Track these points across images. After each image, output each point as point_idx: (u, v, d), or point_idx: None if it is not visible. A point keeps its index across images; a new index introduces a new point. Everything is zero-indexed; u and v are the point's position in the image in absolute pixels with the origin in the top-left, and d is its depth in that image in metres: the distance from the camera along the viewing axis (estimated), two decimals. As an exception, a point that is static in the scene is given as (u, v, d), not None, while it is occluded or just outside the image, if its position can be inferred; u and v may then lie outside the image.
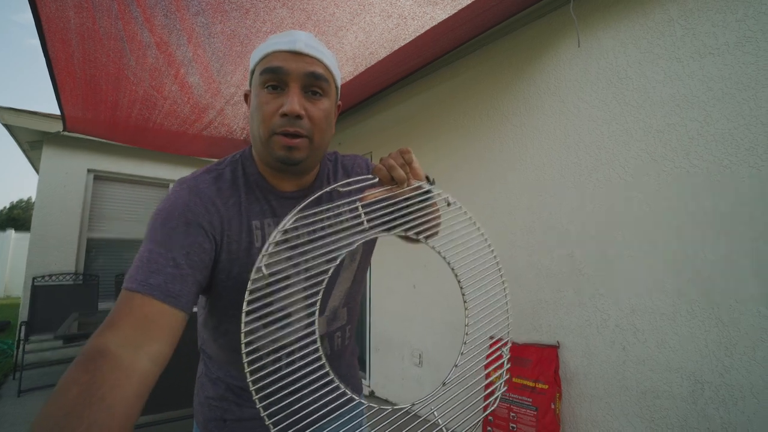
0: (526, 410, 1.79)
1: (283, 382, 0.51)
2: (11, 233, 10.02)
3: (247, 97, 0.69)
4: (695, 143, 1.51)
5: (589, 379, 1.75)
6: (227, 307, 0.67)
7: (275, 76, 0.59)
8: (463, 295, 0.64)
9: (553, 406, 1.74)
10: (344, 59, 2.18)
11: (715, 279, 1.43)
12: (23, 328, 3.38)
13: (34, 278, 3.62)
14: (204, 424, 0.73)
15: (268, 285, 0.57)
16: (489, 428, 1.92)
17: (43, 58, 2.01)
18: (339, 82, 0.69)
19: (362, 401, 0.59)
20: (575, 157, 1.90)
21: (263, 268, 0.53)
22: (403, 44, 2.08)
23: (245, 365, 0.48)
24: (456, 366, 0.60)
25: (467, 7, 1.79)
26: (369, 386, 3.17)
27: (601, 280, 1.76)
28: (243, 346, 0.49)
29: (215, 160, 4.37)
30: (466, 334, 0.62)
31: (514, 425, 1.82)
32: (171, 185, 4.92)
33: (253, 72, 0.64)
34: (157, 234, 0.57)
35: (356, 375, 0.86)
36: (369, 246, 0.81)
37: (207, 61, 2.11)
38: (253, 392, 0.48)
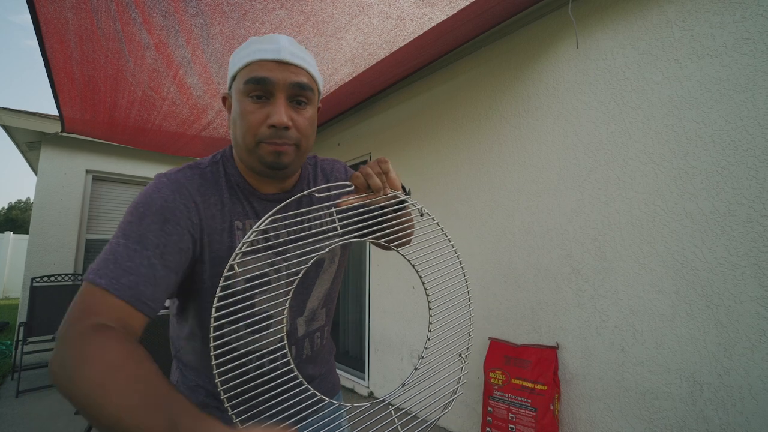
0: (525, 411, 1.79)
1: (252, 385, 0.52)
2: (10, 234, 10.00)
3: (225, 100, 0.67)
4: (693, 144, 1.52)
5: (588, 380, 1.75)
6: (208, 310, 0.65)
7: (261, 87, 0.59)
8: (429, 303, 0.67)
9: (552, 407, 1.74)
10: (343, 60, 2.18)
11: (713, 280, 1.43)
12: (22, 328, 3.38)
13: (32, 279, 3.62)
14: None
15: (245, 285, 0.58)
16: (488, 429, 1.92)
17: (42, 59, 2.01)
18: (321, 86, 0.69)
19: (333, 401, 0.60)
20: (574, 158, 1.91)
21: (235, 266, 0.53)
22: (401, 45, 2.08)
23: (213, 367, 0.49)
24: (416, 369, 0.65)
25: (466, 8, 1.80)
26: (368, 387, 3.17)
27: (600, 281, 1.76)
28: (211, 348, 0.49)
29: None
30: (428, 339, 0.65)
31: (513, 426, 1.82)
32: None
33: (234, 77, 0.62)
34: (132, 228, 0.54)
35: (334, 372, 0.88)
36: (346, 249, 0.82)
37: (206, 62, 2.11)
38: (224, 398, 0.49)
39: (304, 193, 0.63)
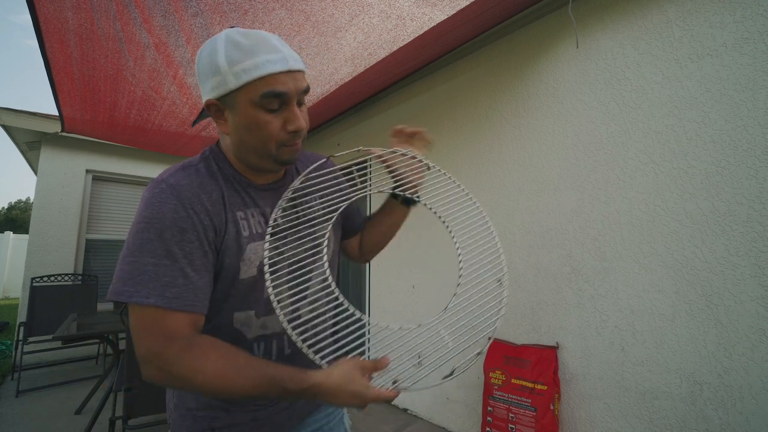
0: (525, 411, 1.79)
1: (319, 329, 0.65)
2: (10, 234, 10.00)
3: (212, 106, 0.66)
4: (693, 144, 1.52)
5: (588, 380, 1.75)
6: (218, 300, 0.68)
7: (278, 100, 0.62)
8: (455, 242, 0.78)
9: (552, 407, 1.74)
10: (343, 60, 2.18)
11: (713, 280, 1.43)
12: (22, 328, 3.38)
13: (32, 279, 3.62)
14: None
15: (283, 238, 0.69)
16: (488, 429, 1.92)
17: (42, 59, 2.01)
18: None
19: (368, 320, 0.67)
20: (574, 157, 1.91)
21: (278, 218, 0.69)
22: (402, 45, 2.08)
23: (282, 315, 0.60)
24: (456, 295, 0.71)
25: (466, 8, 1.79)
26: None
27: (600, 281, 1.76)
28: (268, 274, 0.61)
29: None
30: (461, 275, 0.73)
31: (513, 426, 1.82)
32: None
33: (239, 88, 0.61)
34: (155, 246, 0.59)
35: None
36: (337, 235, 0.89)
37: (206, 62, 2.10)
38: (302, 344, 0.60)
39: (297, 179, 0.76)
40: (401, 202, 0.89)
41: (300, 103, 0.67)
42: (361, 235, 0.99)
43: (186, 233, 0.61)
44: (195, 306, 0.60)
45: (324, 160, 0.86)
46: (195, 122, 0.86)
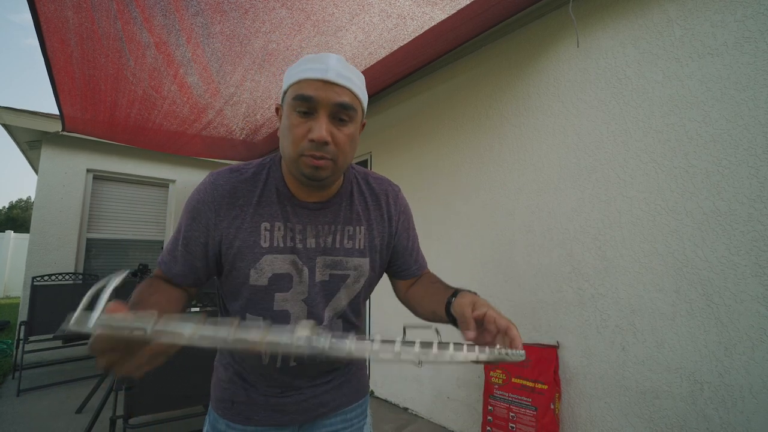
0: (526, 410, 1.79)
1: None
2: (10, 234, 10.01)
3: (278, 110, 0.74)
4: (694, 143, 1.51)
5: (589, 380, 1.75)
6: (233, 294, 0.75)
7: (306, 104, 0.63)
8: None
9: (552, 407, 1.74)
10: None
11: (714, 279, 1.43)
12: (23, 327, 3.38)
13: (33, 278, 3.62)
14: (216, 404, 0.81)
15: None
16: (488, 428, 1.92)
17: (42, 58, 2.01)
18: (366, 104, 0.72)
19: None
20: (574, 157, 1.90)
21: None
22: (402, 44, 2.07)
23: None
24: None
25: (466, 7, 1.79)
26: (369, 386, 3.17)
27: (600, 280, 1.76)
28: None
29: (214, 159, 4.37)
30: None
31: (514, 425, 1.82)
32: (170, 185, 4.92)
33: (286, 91, 0.68)
34: (180, 221, 0.74)
35: (360, 376, 0.89)
36: (374, 279, 0.83)
37: (206, 62, 2.11)
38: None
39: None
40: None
41: (340, 121, 0.65)
42: (413, 281, 0.88)
43: (195, 222, 0.71)
44: (172, 275, 0.73)
45: (397, 190, 0.85)
46: None
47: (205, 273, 0.74)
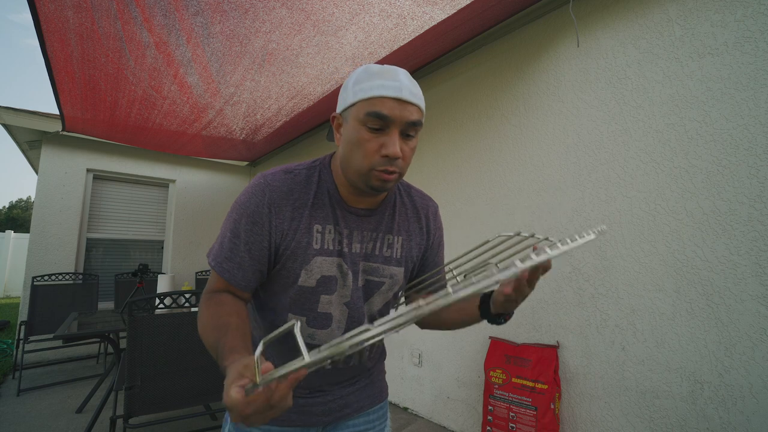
0: (526, 410, 1.79)
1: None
2: (10, 233, 10.01)
3: (334, 119, 0.74)
4: (694, 143, 1.51)
5: (589, 379, 1.75)
6: (278, 294, 0.76)
7: (380, 121, 0.65)
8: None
9: (552, 406, 1.74)
10: (343, 59, 2.18)
11: (714, 279, 1.43)
12: (23, 327, 3.38)
13: (33, 278, 3.62)
14: None
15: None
16: (488, 428, 1.92)
17: (42, 58, 2.01)
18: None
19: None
20: (575, 156, 1.90)
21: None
22: (402, 44, 2.08)
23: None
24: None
25: (466, 7, 1.79)
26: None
27: (600, 280, 1.76)
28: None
29: (214, 159, 4.37)
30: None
31: (514, 425, 1.82)
32: (170, 185, 4.92)
33: (353, 104, 0.67)
34: (235, 226, 0.71)
35: (382, 378, 0.95)
36: (405, 283, 0.86)
37: (206, 61, 2.11)
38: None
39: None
40: (484, 315, 0.73)
41: (407, 136, 0.68)
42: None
43: (256, 226, 0.70)
44: (238, 283, 0.71)
45: (436, 207, 0.89)
46: (328, 136, 0.89)
47: (265, 275, 0.74)
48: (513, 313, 0.70)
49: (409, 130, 0.67)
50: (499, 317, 0.70)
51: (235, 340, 0.59)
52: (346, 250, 0.74)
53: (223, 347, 0.57)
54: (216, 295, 0.70)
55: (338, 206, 0.75)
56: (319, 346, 0.75)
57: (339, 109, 0.72)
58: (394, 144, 0.65)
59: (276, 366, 0.77)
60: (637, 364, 1.60)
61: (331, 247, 0.73)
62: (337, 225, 0.74)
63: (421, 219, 0.84)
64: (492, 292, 0.70)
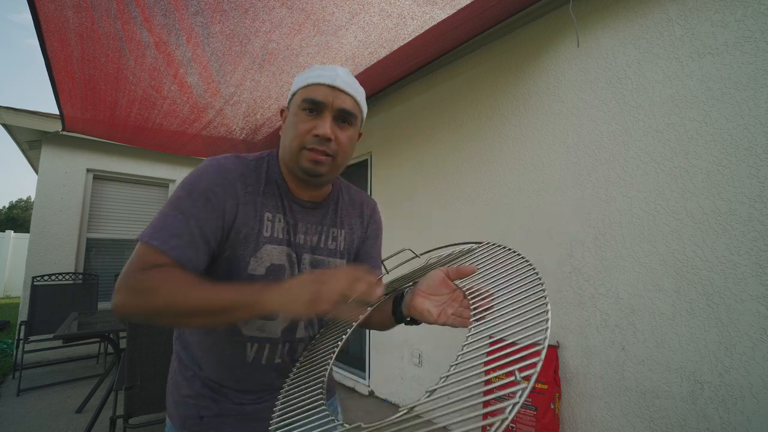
0: (526, 410, 1.79)
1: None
2: (10, 233, 10.01)
3: (282, 112, 0.78)
4: (694, 143, 1.51)
5: (589, 379, 1.75)
6: (222, 280, 0.70)
7: (314, 105, 0.69)
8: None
9: (552, 406, 1.74)
10: (343, 59, 2.18)
11: (714, 279, 1.43)
12: (23, 327, 3.38)
13: (33, 278, 3.62)
14: (181, 423, 0.77)
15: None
16: (489, 428, 1.92)
17: (42, 58, 2.01)
18: (365, 115, 0.79)
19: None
20: (575, 156, 1.90)
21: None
22: (402, 44, 2.07)
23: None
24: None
25: (466, 6, 1.79)
26: (368, 386, 3.17)
27: (600, 280, 1.76)
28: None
29: (215, 159, 4.30)
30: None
31: (514, 425, 1.82)
32: (170, 185, 4.92)
33: (294, 94, 0.73)
34: (181, 203, 0.66)
35: (331, 374, 0.95)
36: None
37: (206, 61, 2.11)
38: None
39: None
40: (398, 319, 0.75)
41: (341, 121, 0.71)
42: None
43: (210, 202, 0.67)
44: (190, 261, 0.64)
45: (374, 204, 0.93)
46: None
47: (209, 261, 0.69)
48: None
49: (343, 117, 0.71)
50: (414, 321, 0.72)
51: (247, 285, 0.58)
52: (293, 240, 0.76)
53: (243, 286, 0.57)
54: (164, 268, 0.60)
55: (285, 197, 0.76)
56: (269, 338, 0.75)
57: (287, 104, 0.76)
58: (324, 125, 0.68)
59: (215, 375, 0.77)
60: (637, 364, 1.60)
61: (280, 236, 0.74)
62: (286, 215, 0.75)
63: (362, 214, 0.88)
64: (403, 295, 0.74)
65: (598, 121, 1.82)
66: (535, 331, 0.46)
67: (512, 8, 2.06)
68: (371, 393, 3.13)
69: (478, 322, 0.55)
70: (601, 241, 1.77)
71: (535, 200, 2.06)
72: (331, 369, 0.70)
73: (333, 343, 0.71)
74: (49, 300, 3.53)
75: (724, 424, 1.37)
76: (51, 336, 3.30)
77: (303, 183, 0.75)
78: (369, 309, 0.72)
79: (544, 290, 0.51)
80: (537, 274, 0.55)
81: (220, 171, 0.70)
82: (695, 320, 1.46)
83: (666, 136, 1.59)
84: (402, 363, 2.83)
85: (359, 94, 0.74)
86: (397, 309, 0.74)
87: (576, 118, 1.91)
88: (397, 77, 2.78)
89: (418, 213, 2.77)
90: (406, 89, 3.01)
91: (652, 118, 1.64)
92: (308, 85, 0.71)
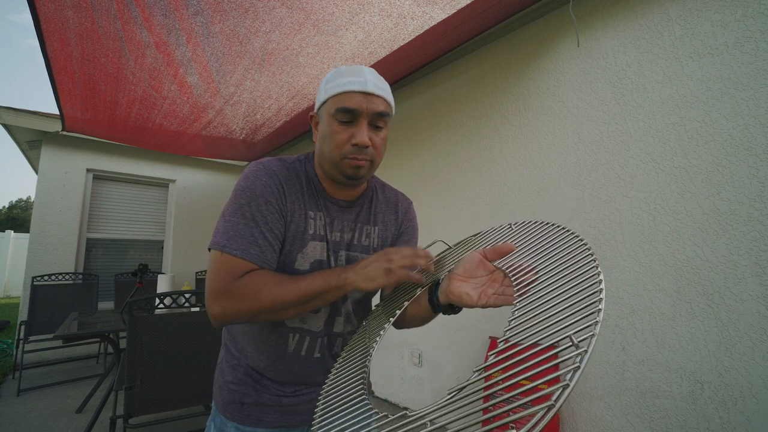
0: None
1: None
2: (10, 233, 10.01)
3: (312, 118, 0.81)
4: (694, 143, 1.51)
5: (589, 379, 1.75)
6: None
7: (348, 114, 0.71)
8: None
9: (552, 406, 1.74)
10: (343, 59, 2.18)
11: (714, 279, 1.43)
12: (23, 327, 3.38)
13: (33, 278, 3.62)
14: (223, 407, 0.81)
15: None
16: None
17: (42, 58, 2.01)
18: (394, 110, 0.79)
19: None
20: (575, 156, 1.90)
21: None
22: (402, 44, 2.07)
23: None
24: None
25: (466, 7, 1.79)
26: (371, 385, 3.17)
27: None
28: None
29: (215, 159, 4.36)
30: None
31: (514, 425, 1.82)
32: (170, 185, 4.92)
33: (324, 102, 0.74)
34: (245, 210, 0.71)
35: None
36: None
37: (206, 61, 2.11)
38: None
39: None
40: (437, 307, 0.74)
41: (375, 126, 0.73)
42: None
43: (270, 204, 0.72)
44: (271, 263, 0.72)
45: (409, 201, 0.96)
46: (311, 137, 0.93)
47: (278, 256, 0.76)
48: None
49: (377, 120, 0.72)
50: (453, 308, 0.72)
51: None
52: (330, 237, 0.80)
53: (326, 272, 0.68)
54: (254, 272, 0.68)
55: (322, 196, 0.80)
56: (309, 330, 0.78)
57: (315, 109, 0.78)
58: (362, 134, 0.70)
59: (258, 363, 0.81)
60: (637, 364, 1.60)
61: (321, 233, 0.79)
62: (324, 213, 0.80)
63: (396, 211, 0.91)
64: (438, 284, 0.73)
65: (598, 121, 1.82)
66: (588, 294, 0.44)
67: (512, 8, 2.06)
68: (371, 393, 3.12)
69: (524, 296, 0.51)
70: (601, 241, 1.77)
71: (535, 200, 2.06)
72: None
73: (372, 339, 0.71)
74: (49, 300, 3.53)
75: (724, 424, 1.37)
76: (51, 336, 3.30)
77: (341, 185, 0.79)
78: (406, 303, 0.72)
79: (592, 254, 0.50)
80: (581, 240, 0.54)
81: (271, 174, 0.75)
82: (695, 320, 1.46)
83: (666, 136, 1.59)
84: (402, 363, 2.83)
85: (388, 92, 0.75)
86: (433, 297, 0.73)
87: (576, 118, 1.91)
88: (397, 77, 2.78)
89: (418, 213, 2.77)
90: (406, 89, 3.01)
91: (652, 118, 1.64)
92: (339, 94, 0.71)
